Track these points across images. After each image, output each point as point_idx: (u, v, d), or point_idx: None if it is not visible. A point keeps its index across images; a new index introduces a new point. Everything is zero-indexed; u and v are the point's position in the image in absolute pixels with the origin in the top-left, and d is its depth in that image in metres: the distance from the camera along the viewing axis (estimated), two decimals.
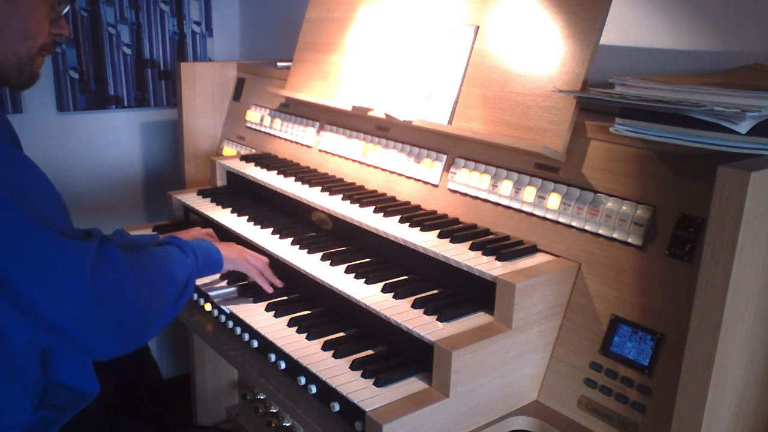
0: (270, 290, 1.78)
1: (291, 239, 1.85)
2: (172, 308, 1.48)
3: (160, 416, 2.06)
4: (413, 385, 1.36)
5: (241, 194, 2.28)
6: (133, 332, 1.38)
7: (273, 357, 1.54)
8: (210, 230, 2.01)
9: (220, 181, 2.40)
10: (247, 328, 1.65)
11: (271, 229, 1.92)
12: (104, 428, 1.64)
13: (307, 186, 2.01)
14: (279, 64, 2.58)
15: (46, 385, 1.44)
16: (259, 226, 1.96)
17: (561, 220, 1.50)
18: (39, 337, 1.29)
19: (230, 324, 1.71)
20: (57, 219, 1.30)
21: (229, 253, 1.72)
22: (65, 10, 1.46)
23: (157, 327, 1.44)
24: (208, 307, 1.82)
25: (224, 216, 2.07)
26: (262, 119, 2.48)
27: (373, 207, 1.79)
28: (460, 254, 1.51)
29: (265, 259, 1.81)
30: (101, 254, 1.32)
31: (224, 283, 1.86)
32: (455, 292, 1.55)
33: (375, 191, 1.95)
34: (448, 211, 1.75)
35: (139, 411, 1.97)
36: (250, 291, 1.78)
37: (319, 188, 1.97)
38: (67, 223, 1.35)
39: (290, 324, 1.62)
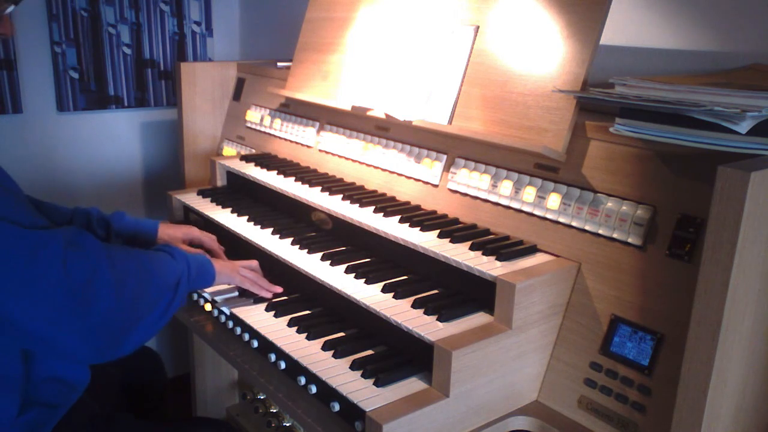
0: (269, 295, 1.74)
1: (291, 239, 1.85)
2: (160, 312, 1.40)
3: (159, 414, 2.06)
4: (413, 385, 1.36)
5: (241, 194, 2.28)
6: (112, 332, 1.31)
7: (273, 357, 1.54)
8: (192, 228, 1.99)
9: (220, 181, 2.40)
10: (247, 328, 1.65)
11: (271, 229, 1.92)
12: (99, 426, 1.64)
13: (307, 186, 2.01)
14: (279, 64, 2.58)
15: (35, 381, 1.40)
16: (259, 226, 1.96)
17: (561, 220, 1.50)
18: (15, 340, 1.26)
19: (230, 324, 1.71)
20: (16, 212, 1.25)
21: (223, 267, 1.69)
22: (8, 10, 1.40)
23: (143, 331, 1.37)
24: (208, 307, 1.82)
25: (224, 216, 2.07)
26: (262, 119, 2.48)
27: (373, 207, 1.79)
28: (460, 254, 1.51)
29: (255, 264, 1.79)
30: (74, 239, 1.28)
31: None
32: (455, 292, 1.55)
33: (375, 191, 1.95)
34: (448, 211, 1.75)
35: (139, 409, 1.97)
36: (249, 291, 1.78)
37: (319, 188, 1.97)
38: (28, 215, 1.29)
39: (290, 324, 1.62)
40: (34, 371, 1.40)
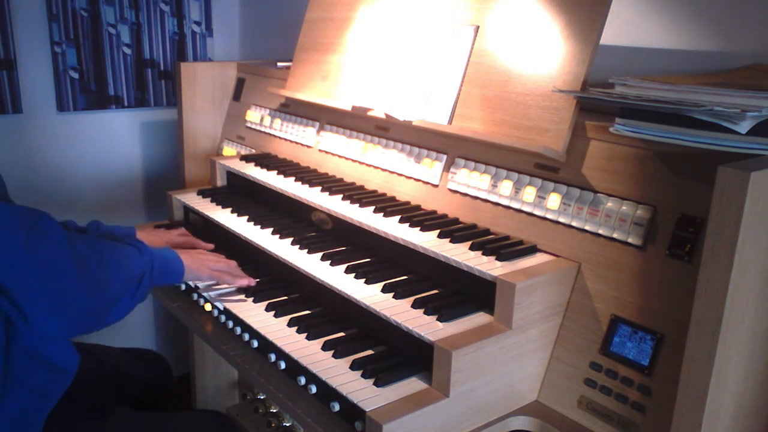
0: (244, 284, 1.77)
1: (291, 239, 1.85)
2: (125, 303, 1.44)
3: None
4: (413, 385, 1.36)
5: (241, 194, 2.28)
6: (79, 310, 1.35)
7: (273, 357, 1.54)
8: (182, 230, 2.02)
9: (220, 181, 2.40)
10: (247, 328, 1.65)
11: (271, 229, 1.92)
12: (95, 417, 1.64)
13: (307, 186, 2.01)
14: (279, 64, 2.58)
15: (18, 357, 1.40)
16: (259, 226, 1.96)
17: (561, 220, 1.50)
18: None
19: (230, 324, 1.71)
20: None
21: (192, 262, 1.68)
22: None
23: (110, 318, 1.42)
24: (208, 307, 1.82)
25: (224, 216, 2.07)
26: (262, 119, 2.48)
27: (373, 207, 1.79)
28: (460, 254, 1.51)
29: (233, 263, 1.80)
30: (38, 224, 1.31)
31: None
32: (455, 292, 1.55)
33: (375, 191, 1.95)
34: (448, 211, 1.75)
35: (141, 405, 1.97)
36: (250, 290, 1.78)
37: (319, 188, 1.97)
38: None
39: (290, 324, 1.62)
40: (16, 343, 1.40)
